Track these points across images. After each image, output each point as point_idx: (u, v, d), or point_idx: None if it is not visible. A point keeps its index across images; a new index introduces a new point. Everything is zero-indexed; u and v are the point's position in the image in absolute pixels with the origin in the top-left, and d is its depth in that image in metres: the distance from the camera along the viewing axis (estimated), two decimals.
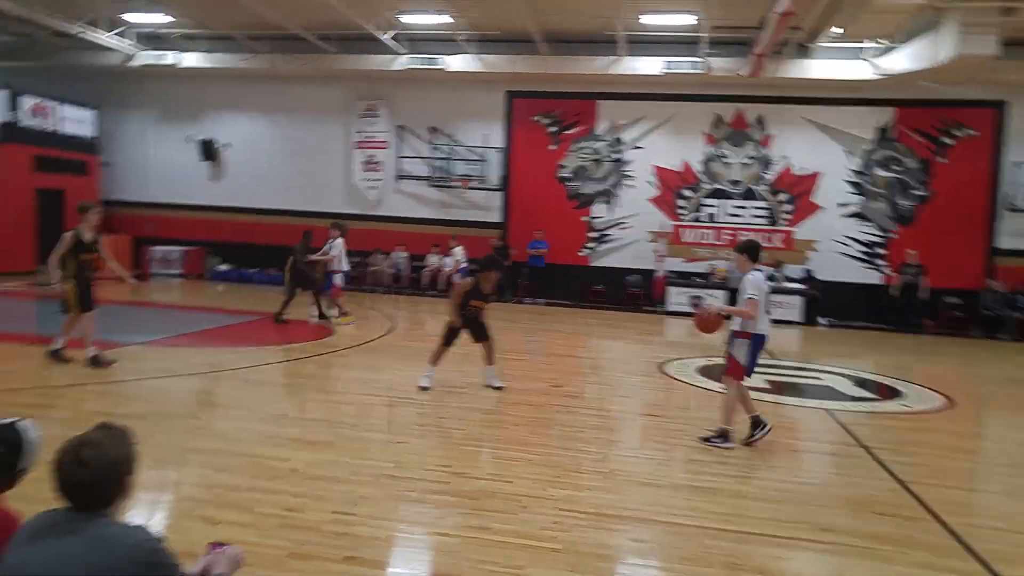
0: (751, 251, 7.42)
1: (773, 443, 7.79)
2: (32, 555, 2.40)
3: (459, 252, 18.40)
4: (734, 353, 7.45)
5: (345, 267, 14.68)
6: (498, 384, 9.47)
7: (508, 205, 21.55)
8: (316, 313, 14.41)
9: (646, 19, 17.59)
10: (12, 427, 2.80)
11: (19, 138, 20.13)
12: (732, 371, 7.50)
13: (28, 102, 20.73)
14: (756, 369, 7.60)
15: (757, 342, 7.36)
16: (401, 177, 21.97)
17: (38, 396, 7.96)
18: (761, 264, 7.55)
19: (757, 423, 7.46)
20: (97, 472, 2.46)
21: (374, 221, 22.10)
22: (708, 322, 7.63)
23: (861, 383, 11.57)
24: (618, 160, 20.98)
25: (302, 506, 5.21)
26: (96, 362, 9.41)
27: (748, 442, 7.41)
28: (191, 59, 21.82)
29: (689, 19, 17.41)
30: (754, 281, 7.29)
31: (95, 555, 2.38)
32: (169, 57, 21.69)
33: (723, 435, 7.35)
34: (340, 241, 14.40)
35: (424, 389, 9.08)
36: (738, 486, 6.22)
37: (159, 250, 22.66)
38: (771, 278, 19.10)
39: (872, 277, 19.78)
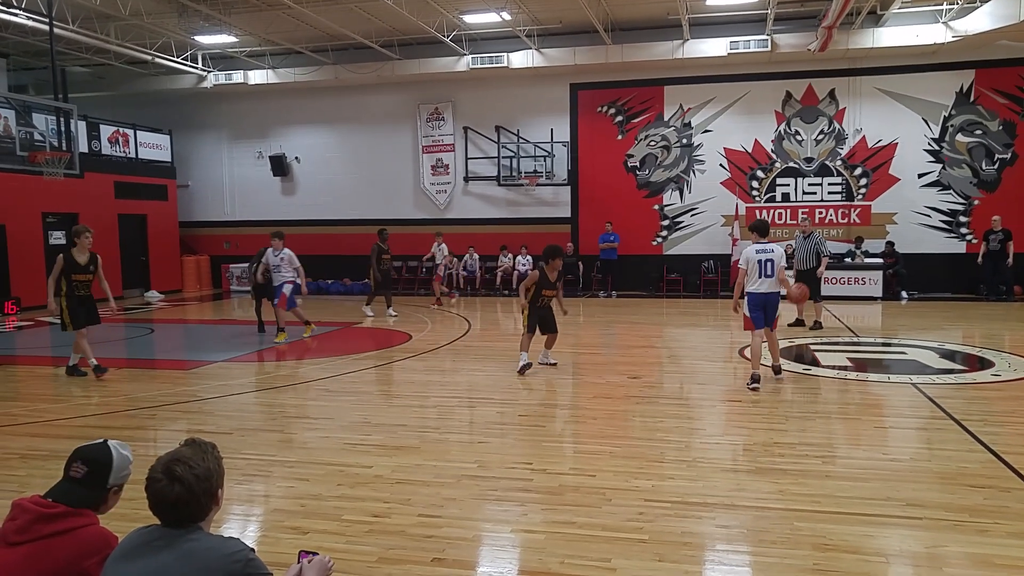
0: (757, 229, 9.41)
1: (859, 420, 7.69)
2: (127, 573, 2.46)
3: (445, 249, 18.83)
4: (744, 310, 9.29)
5: (290, 275, 13.66)
6: (552, 361, 10.53)
7: (577, 199, 21.50)
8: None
9: (712, 0, 17.38)
10: (102, 446, 2.89)
11: (100, 167, 20.87)
12: (745, 325, 9.33)
13: (106, 131, 21.52)
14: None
15: (751, 299, 9.14)
16: (469, 178, 22.12)
17: (126, 418, 8.22)
18: (769, 239, 9.41)
19: (755, 379, 8.97)
20: (190, 487, 2.50)
21: (444, 224, 22.26)
22: (797, 296, 9.78)
23: (948, 355, 11.22)
24: (687, 145, 20.74)
25: (388, 511, 5.27)
26: (75, 371, 10.30)
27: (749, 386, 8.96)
28: (258, 76, 22.40)
29: None
30: (743, 252, 9.28)
31: (189, 569, 2.43)
32: (237, 76, 22.27)
33: (753, 379, 8.95)
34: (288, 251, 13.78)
35: (527, 366, 9.97)
36: (824, 466, 6.10)
37: (237, 268, 23.22)
38: (850, 254, 18.82)
39: (956, 246, 19.20)
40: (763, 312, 9.15)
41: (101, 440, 2.93)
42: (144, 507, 2.55)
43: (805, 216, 17.54)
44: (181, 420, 8.16)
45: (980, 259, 17.97)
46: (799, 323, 14.02)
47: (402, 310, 17.04)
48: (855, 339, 12.82)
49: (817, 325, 13.84)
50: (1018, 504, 5.22)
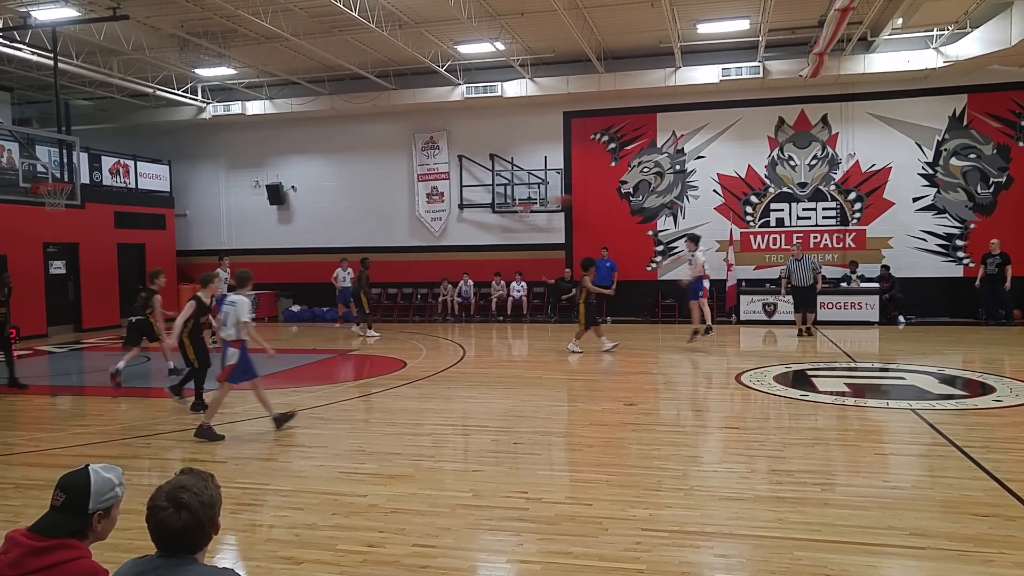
0: (692, 238, 15.83)
1: (858, 447, 7.64)
2: None
3: (351, 274, 19.32)
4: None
5: None
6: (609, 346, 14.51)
7: (571, 225, 21.55)
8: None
9: (703, 28, 17.50)
10: (81, 471, 2.79)
11: (100, 197, 20.97)
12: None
13: (108, 162, 21.65)
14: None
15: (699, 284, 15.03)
16: (463, 206, 22.19)
17: (122, 446, 8.18)
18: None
19: (696, 332, 15.10)
20: (196, 515, 2.45)
21: (439, 252, 22.35)
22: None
23: (948, 380, 11.15)
24: (681, 171, 20.81)
25: (383, 541, 5.22)
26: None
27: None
28: (255, 107, 22.53)
29: (743, 25, 17.27)
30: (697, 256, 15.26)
31: None
32: (235, 107, 22.42)
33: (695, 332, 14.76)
34: None
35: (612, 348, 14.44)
36: (824, 494, 6.03)
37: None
38: (845, 279, 18.87)
39: (953, 270, 19.18)
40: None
41: (83, 466, 2.87)
42: (136, 537, 2.52)
43: (798, 242, 18.18)
44: (176, 449, 8.10)
45: (978, 283, 17.96)
46: (801, 333, 16.08)
47: (396, 336, 17.05)
48: (852, 364, 12.79)
49: (808, 332, 15.99)
50: None
